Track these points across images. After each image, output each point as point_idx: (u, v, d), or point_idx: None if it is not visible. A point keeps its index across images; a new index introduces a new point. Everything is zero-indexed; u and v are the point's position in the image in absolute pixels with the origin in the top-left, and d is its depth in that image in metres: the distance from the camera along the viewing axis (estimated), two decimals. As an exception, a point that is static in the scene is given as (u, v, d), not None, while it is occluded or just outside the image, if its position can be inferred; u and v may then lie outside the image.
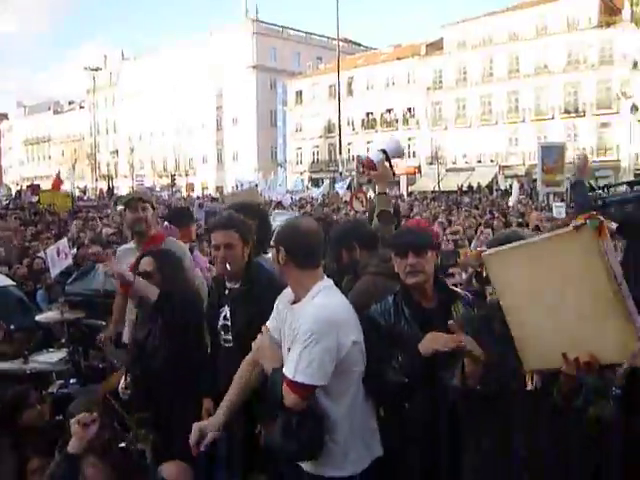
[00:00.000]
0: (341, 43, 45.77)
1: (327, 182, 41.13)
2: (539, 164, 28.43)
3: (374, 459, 2.77)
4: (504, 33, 45.07)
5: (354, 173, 22.93)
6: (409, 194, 40.30)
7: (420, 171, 50.02)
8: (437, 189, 39.99)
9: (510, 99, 45.62)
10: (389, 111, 52.78)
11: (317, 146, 57.96)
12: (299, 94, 59.65)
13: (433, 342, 2.62)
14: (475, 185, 40.09)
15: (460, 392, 2.48)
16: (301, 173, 55.38)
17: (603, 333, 2.00)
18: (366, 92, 53.63)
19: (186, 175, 64.72)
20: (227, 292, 3.51)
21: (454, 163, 47.54)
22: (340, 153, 43.63)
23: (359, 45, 69.08)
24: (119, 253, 4.83)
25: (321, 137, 57.32)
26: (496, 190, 35.96)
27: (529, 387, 2.32)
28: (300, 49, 65.70)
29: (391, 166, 4.23)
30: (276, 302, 2.94)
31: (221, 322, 3.48)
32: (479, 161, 46.07)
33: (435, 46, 50.44)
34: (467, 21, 47.91)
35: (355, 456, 2.69)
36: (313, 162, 58.00)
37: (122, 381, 3.66)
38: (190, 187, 54.75)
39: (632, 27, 40.21)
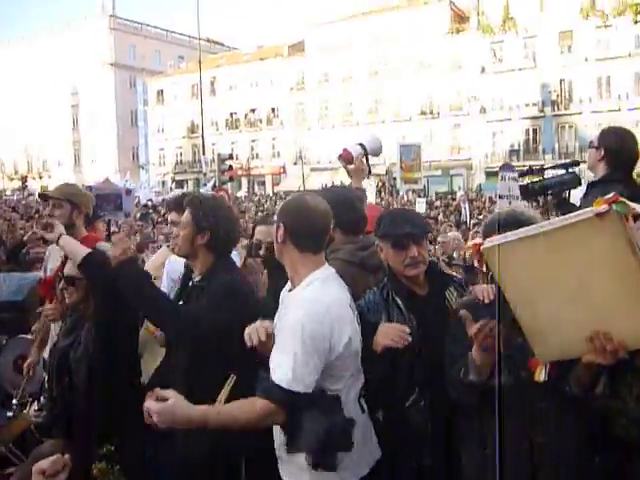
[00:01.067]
0: (203, 42, 45.01)
1: (191, 183, 40.28)
2: (398, 163, 29.41)
3: (374, 462, 2.51)
4: (365, 36, 46.29)
5: (217, 172, 22.46)
6: (275, 194, 40.39)
7: (285, 171, 50.32)
8: (302, 188, 40.34)
9: (371, 101, 46.97)
10: (253, 111, 52.63)
11: (180, 147, 56.63)
12: (160, 93, 58.01)
13: (385, 338, 2.49)
14: (339, 184, 40.78)
15: (469, 387, 2.30)
16: (164, 174, 53.88)
17: (630, 318, 1.92)
18: (229, 92, 53.11)
19: (40, 178, 60.90)
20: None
21: (318, 163, 48.18)
22: (204, 154, 42.76)
23: (222, 45, 68.40)
24: (47, 255, 4.41)
25: (184, 137, 56.08)
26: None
27: (542, 378, 2.18)
28: (161, 47, 63.95)
29: (368, 162, 4.02)
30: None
31: None
32: (342, 161, 46.91)
33: (298, 47, 50.95)
34: (329, 23, 48.76)
35: (349, 461, 2.35)
36: (177, 163, 56.61)
37: (32, 405, 3.25)
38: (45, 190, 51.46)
39: (479, 34, 42.81)
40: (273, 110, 51.62)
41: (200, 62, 40.67)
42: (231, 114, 53.51)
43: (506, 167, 22.72)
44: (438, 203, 26.44)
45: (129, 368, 3.36)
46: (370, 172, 4.11)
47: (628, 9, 38.62)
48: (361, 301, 2.80)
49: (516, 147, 41.90)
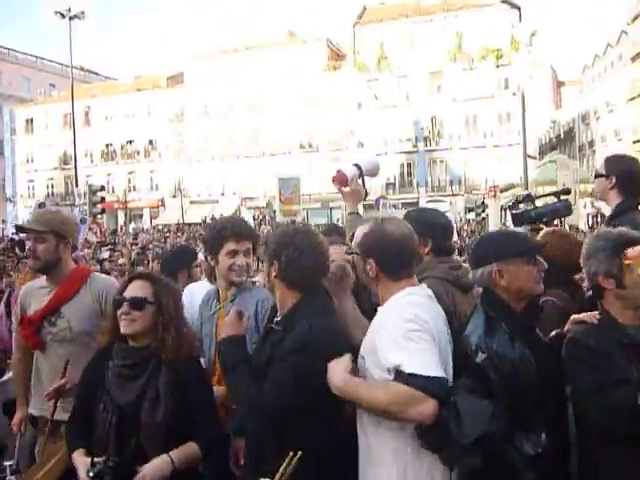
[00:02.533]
0: (76, 71, 43.31)
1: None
2: (277, 195, 29.56)
3: None
4: (245, 70, 46.51)
5: (88, 204, 21.47)
6: (153, 227, 39.23)
7: (164, 204, 49.17)
8: (181, 221, 39.57)
9: (250, 134, 47.06)
10: (130, 142, 51.20)
11: (52, 178, 53.90)
12: (30, 122, 55.15)
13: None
14: (218, 217, 40.42)
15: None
16: (33, 207, 50.98)
17: None
18: (105, 122, 51.40)
19: None
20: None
21: (198, 195, 47.56)
22: (77, 185, 40.93)
23: (96, 74, 66.34)
24: (25, 292, 3.65)
25: (56, 169, 53.44)
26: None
27: None
28: (30, 74, 60.94)
29: (364, 184, 3.73)
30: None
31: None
32: (222, 193, 46.67)
33: (176, 79, 50.35)
34: (209, 55, 48.62)
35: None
36: (47, 195, 53.78)
37: (85, 466, 2.48)
38: None
39: (356, 72, 44.32)
40: (151, 142, 50.48)
41: (72, 91, 39.16)
42: (107, 145, 51.74)
43: (381, 199, 23.49)
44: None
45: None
46: (367, 194, 3.82)
47: (490, 54, 41.45)
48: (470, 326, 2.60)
49: (392, 180, 43.41)
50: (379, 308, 2.48)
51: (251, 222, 26.56)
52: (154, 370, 2.65)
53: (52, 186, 54.01)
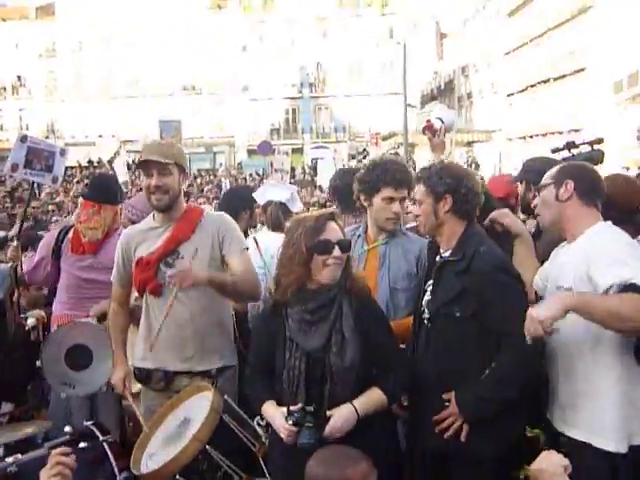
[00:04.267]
0: None
1: None
2: (158, 139, 28.63)
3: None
4: (124, 4, 43.74)
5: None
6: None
7: (36, 146, 46.17)
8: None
9: (129, 73, 44.79)
10: (-5, 78, 47.32)
11: None
12: None
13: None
14: (96, 160, 38.59)
15: None
16: None
17: None
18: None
19: None
20: (437, 260, 2.78)
21: (73, 137, 44.94)
22: None
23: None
24: (129, 235, 3.28)
25: None
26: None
27: None
28: None
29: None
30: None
31: (426, 297, 2.78)
32: (100, 135, 44.38)
33: (46, 10, 46.66)
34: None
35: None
36: None
37: (281, 415, 2.43)
38: None
39: (241, 12, 43.04)
40: (19, 78, 46.87)
41: None
42: (-32, 80, 47.60)
43: (263, 144, 23.04)
44: (199, 180, 26.15)
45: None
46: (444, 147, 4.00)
47: (375, 2, 41.55)
48: None
49: (277, 126, 43.05)
50: (577, 240, 2.57)
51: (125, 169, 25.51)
52: (337, 313, 2.53)
53: None
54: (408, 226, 3.64)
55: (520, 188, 3.68)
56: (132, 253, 3.20)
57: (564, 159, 4.13)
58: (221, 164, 39.61)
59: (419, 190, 2.77)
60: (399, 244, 3.20)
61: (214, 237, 3.13)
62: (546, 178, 2.67)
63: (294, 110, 43.98)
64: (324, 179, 20.01)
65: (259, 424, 2.76)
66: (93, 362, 3.53)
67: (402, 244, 3.21)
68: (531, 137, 34.90)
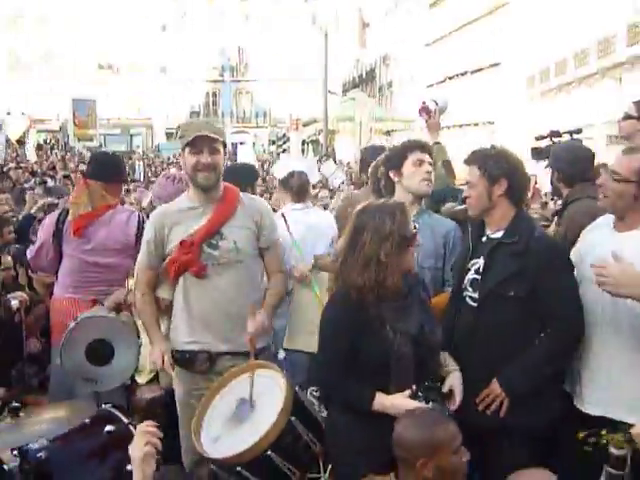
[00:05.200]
0: None
1: None
2: (71, 118, 27.55)
3: None
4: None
5: None
6: None
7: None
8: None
9: (43, 49, 42.83)
10: None
11: None
12: None
13: None
14: (4, 140, 36.75)
15: None
16: None
17: None
18: None
19: None
20: (484, 240, 2.86)
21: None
22: None
23: None
24: (163, 215, 3.18)
25: None
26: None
27: None
28: None
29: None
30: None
31: (471, 275, 2.84)
32: (8, 113, 42.16)
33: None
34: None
35: None
36: None
37: (404, 397, 2.50)
38: None
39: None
40: None
41: None
42: None
43: (178, 129, 22.75)
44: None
45: None
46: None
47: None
48: None
49: (196, 109, 42.26)
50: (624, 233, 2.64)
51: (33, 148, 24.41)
52: (418, 296, 2.70)
53: None
54: None
55: (549, 174, 4.01)
56: (166, 234, 3.11)
57: (546, 147, 4.44)
58: (138, 146, 38.54)
59: (472, 172, 2.83)
60: (428, 225, 3.26)
61: (254, 220, 3.16)
62: (629, 174, 2.65)
63: (214, 93, 43.29)
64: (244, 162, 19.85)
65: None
66: (115, 356, 3.45)
67: (431, 225, 3.29)
68: (448, 128, 35.67)
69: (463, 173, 3.06)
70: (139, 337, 3.55)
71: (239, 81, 43.16)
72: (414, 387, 2.48)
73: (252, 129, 38.11)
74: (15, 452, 2.51)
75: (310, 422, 2.68)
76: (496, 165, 2.77)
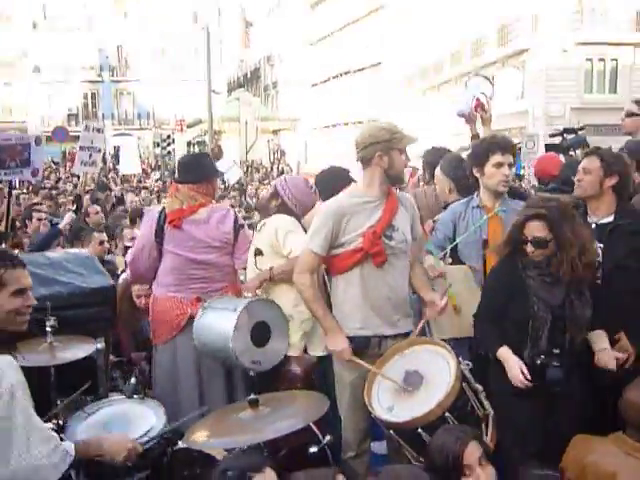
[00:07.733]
0: None
1: None
2: None
3: None
4: None
5: None
6: None
7: None
8: None
9: None
10: None
11: None
12: None
13: None
14: None
15: None
16: None
17: None
18: None
19: None
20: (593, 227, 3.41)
21: None
22: None
23: None
24: (344, 208, 3.28)
25: None
26: None
27: None
28: None
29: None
30: None
31: None
32: None
33: None
34: None
35: None
36: None
37: (517, 361, 3.07)
38: None
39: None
40: None
41: None
42: None
43: (58, 130, 21.36)
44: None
45: None
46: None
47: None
48: None
49: (74, 111, 40.44)
50: None
51: None
52: (573, 278, 3.07)
53: None
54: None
55: None
56: (343, 225, 3.26)
57: (561, 142, 5.19)
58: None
59: (592, 161, 3.40)
60: (514, 210, 3.50)
61: (411, 212, 3.44)
62: None
63: (93, 95, 41.58)
64: (126, 165, 19.14)
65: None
66: (272, 336, 3.59)
67: (517, 210, 3.49)
68: (334, 126, 36.26)
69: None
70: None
71: (119, 81, 41.70)
72: (535, 350, 2.99)
73: (135, 131, 36.90)
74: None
75: (471, 390, 2.94)
76: (615, 162, 3.37)
